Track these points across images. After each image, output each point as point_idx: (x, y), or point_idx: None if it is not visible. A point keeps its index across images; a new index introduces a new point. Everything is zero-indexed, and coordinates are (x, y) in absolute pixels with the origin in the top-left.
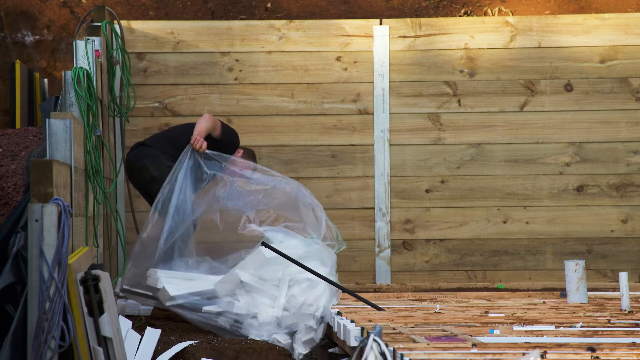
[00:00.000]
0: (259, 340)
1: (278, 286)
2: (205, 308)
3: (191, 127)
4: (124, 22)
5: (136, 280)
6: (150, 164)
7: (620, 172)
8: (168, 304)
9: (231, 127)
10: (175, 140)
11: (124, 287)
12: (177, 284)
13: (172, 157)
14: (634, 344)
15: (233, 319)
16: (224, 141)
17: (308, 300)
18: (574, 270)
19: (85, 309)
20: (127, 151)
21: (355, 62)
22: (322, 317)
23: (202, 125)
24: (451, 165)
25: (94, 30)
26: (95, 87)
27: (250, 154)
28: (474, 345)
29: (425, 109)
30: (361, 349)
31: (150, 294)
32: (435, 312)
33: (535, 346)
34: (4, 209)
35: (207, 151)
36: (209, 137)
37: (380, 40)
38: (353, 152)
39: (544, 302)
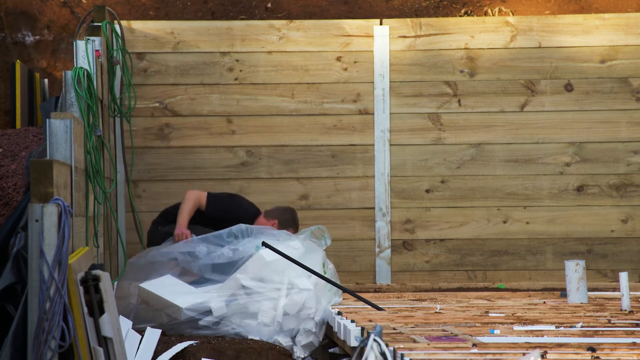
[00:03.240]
0: (259, 340)
1: (279, 289)
2: (203, 321)
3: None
4: (124, 22)
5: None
6: (152, 237)
7: (621, 172)
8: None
9: (226, 194)
10: (169, 214)
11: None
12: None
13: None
14: (634, 344)
15: (233, 326)
16: (221, 214)
17: (308, 303)
18: (574, 270)
19: (85, 309)
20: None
21: (355, 62)
22: (322, 320)
23: (183, 211)
24: (451, 165)
25: (94, 30)
26: (95, 87)
27: (286, 222)
28: (474, 345)
29: (426, 109)
30: (361, 349)
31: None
32: (436, 312)
33: (536, 346)
34: (4, 209)
35: (194, 237)
36: (203, 216)
37: (380, 40)
38: (353, 152)
39: (544, 302)
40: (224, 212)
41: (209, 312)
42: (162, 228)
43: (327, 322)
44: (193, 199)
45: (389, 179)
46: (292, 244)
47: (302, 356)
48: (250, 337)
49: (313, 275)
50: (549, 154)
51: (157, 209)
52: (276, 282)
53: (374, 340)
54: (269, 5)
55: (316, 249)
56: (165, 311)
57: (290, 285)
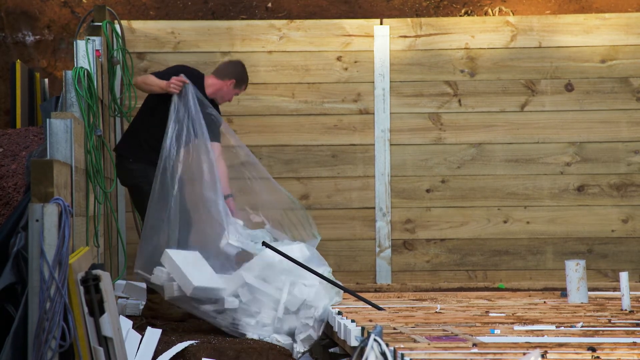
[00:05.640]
0: (259, 340)
1: (281, 289)
2: (206, 306)
3: (141, 107)
4: (124, 22)
5: (147, 267)
6: (119, 174)
7: (621, 172)
8: (168, 297)
9: (166, 68)
10: (137, 128)
11: (138, 271)
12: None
13: (135, 156)
14: (634, 343)
15: (232, 318)
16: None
17: (308, 300)
18: (574, 270)
19: (85, 309)
20: None
21: (355, 62)
22: (321, 316)
23: (150, 82)
24: (452, 165)
25: (94, 30)
26: (95, 87)
27: (244, 76)
28: (475, 345)
29: (426, 108)
30: (362, 349)
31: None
32: (436, 312)
33: (536, 346)
34: (5, 209)
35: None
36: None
37: (380, 40)
38: (354, 152)
39: (544, 302)
40: (165, 72)
41: (216, 300)
42: (136, 163)
43: (328, 322)
44: (147, 78)
45: (389, 179)
46: (295, 248)
47: (302, 351)
48: (249, 334)
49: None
50: (549, 154)
51: None
52: (279, 282)
53: (375, 340)
54: (270, 5)
55: (320, 257)
56: (178, 282)
57: (293, 285)
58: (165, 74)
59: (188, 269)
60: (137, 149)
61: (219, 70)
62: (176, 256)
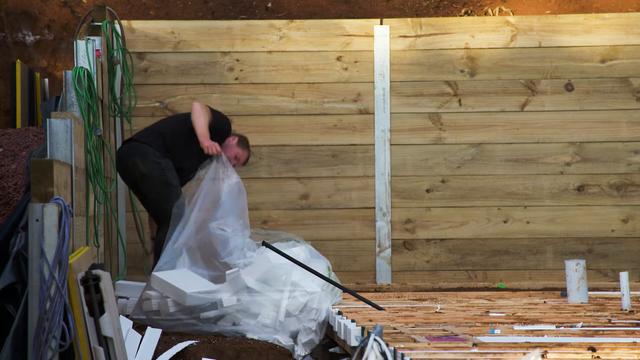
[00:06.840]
0: (259, 340)
1: (282, 291)
2: (204, 314)
3: (179, 119)
4: (124, 22)
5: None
6: (140, 161)
7: (621, 172)
8: (165, 317)
9: (219, 111)
10: (164, 132)
11: (133, 317)
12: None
13: (161, 152)
14: (634, 343)
15: (232, 321)
16: (217, 128)
17: (310, 303)
18: (574, 270)
19: (85, 309)
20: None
21: (355, 61)
22: (323, 320)
23: (202, 124)
24: (452, 165)
25: (94, 30)
26: (95, 86)
27: (244, 142)
28: (475, 345)
29: (426, 108)
30: (362, 349)
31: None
32: (436, 312)
33: (536, 346)
34: (5, 209)
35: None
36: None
37: (380, 40)
38: (354, 151)
39: (544, 302)
40: (221, 130)
41: (213, 304)
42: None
43: (328, 322)
44: (205, 111)
45: (390, 179)
46: (296, 250)
47: (303, 354)
48: (250, 336)
49: (317, 278)
50: (549, 154)
51: None
52: (280, 284)
53: (375, 340)
54: (269, 5)
55: (321, 257)
56: (173, 298)
57: (294, 287)
58: (217, 119)
59: (179, 282)
60: (162, 148)
61: (241, 141)
62: (164, 275)
